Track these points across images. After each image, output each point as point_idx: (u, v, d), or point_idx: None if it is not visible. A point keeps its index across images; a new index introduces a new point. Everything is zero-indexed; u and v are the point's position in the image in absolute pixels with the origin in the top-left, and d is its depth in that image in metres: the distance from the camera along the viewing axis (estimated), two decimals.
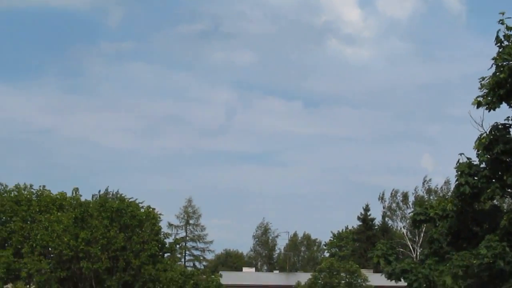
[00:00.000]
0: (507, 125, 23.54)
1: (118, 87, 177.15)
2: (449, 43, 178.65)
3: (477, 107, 23.12)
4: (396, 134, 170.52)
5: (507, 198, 26.02)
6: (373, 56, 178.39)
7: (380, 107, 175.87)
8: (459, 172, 23.89)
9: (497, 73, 22.59)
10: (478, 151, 23.59)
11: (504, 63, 22.41)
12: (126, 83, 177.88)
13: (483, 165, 23.84)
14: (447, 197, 27.86)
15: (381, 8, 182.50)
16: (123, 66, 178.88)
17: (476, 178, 23.77)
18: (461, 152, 24.29)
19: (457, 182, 24.12)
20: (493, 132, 23.40)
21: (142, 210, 45.72)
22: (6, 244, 45.08)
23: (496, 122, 23.51)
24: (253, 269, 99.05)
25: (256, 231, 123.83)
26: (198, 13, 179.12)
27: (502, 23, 22.90)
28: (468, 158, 24.10)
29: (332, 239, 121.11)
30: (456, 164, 24.16)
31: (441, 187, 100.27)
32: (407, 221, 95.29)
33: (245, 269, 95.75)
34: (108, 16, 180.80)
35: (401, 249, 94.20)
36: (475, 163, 24.02)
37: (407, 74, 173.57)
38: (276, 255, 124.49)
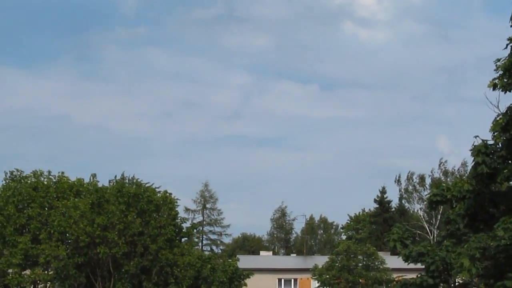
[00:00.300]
0: None
1: (133, 72, 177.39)
2: (464, 25, 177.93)
3: (493, 89, 23.02)
4: (412, 116, 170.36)
5: None
6: (388, 39, 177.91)
7: (396, 90, 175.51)
8: (475, 152, 23.78)
9: None
10: (494, 132, 23.51)
11: None
12: (141, 69, 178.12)
13: (499, 146, 23.75)
14: (464, 178, 27.75)
15: None
16: (138, 51, 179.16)
17: (492, 158, 23.67)
18: (476, 135, 24.19)
19: (474, 162, 24.04)
20: (509, 113, 23.29)
21: (159, 195, 45.81)
22: (24, 231, 45.24)
23: None
24: (270, 253, 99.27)
25: (274, 214, 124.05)
26: None
27: None
28: (483, 140, 23.99)
29: (349, 222, 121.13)
30: (472, 146, 24.05)
31: (458, 169, 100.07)
32: (424, 203, 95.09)
33: (262, 252, 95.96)
34: (123, 1, 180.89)
35: (418, 232, 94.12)
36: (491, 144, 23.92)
37: (422, 56, 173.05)
38: (293, 238, 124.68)
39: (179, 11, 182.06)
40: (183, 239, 48.94)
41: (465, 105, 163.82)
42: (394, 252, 30.73)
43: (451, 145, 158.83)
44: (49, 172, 47.48)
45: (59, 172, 47.79)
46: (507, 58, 22.67)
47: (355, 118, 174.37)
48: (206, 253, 66.26)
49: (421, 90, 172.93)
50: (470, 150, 24.00)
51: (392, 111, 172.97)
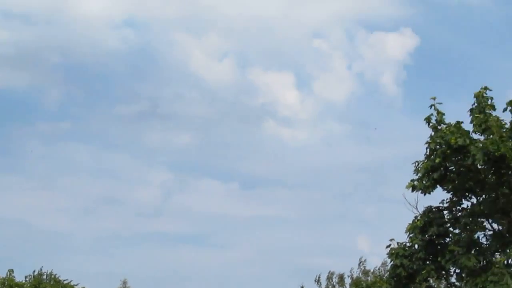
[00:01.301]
0: (441, 208, 23.81)
1: (54, 167, 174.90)
2: (384, 125, 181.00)
3: (412, 191, 23.31)
4: (334, 215, 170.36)
5: (442, 280, 26.14)
6: (310, 138, 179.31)
7: (317, 188, 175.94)
8: (394, 255, 23.82)
9: (432, 157, 22.85)
10: (410, 234, 23.69)
11: (437, 147, 22.76)
12: (63, 164, 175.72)
13: (416, 248, 23.86)
14: (384, 278, 27.83)
15: (318, 91, 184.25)
16: (59, 146, 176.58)
17: (411, 260, 23.76)
18: (391, 238, 24.21)
19: (392, 263, 24.05)
20: (427, 214, 23.60)
21: None
22: None
23: (430, 205, 23.78)
24: None
25: None
26: (136, 94, 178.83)
27: (434, 108, 23.39)
28: (399, 243, 23.99)
29: None
30: (386, 248, 24.08)
31: (378, 268, 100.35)
32: None
33: None
34: (45, 95, 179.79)
35: None
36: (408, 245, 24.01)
37: (343, 156, 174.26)
38: None
39: (102, 107, 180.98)
40: None
41: (385, 205, 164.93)
42: None
43: (371, 245, 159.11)
44: None
45: None
46: (425, 160, 23.08)
47: (276, 217, 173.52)
48: None
49: (343, 190, 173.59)
50: (387, 254, 24.05)
51: (314, 210, 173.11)
